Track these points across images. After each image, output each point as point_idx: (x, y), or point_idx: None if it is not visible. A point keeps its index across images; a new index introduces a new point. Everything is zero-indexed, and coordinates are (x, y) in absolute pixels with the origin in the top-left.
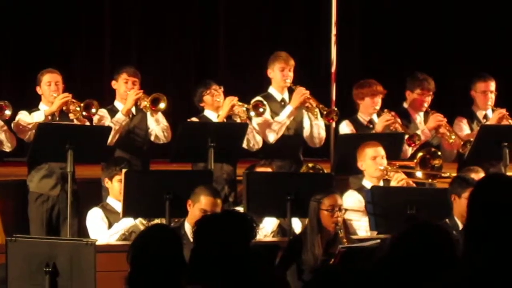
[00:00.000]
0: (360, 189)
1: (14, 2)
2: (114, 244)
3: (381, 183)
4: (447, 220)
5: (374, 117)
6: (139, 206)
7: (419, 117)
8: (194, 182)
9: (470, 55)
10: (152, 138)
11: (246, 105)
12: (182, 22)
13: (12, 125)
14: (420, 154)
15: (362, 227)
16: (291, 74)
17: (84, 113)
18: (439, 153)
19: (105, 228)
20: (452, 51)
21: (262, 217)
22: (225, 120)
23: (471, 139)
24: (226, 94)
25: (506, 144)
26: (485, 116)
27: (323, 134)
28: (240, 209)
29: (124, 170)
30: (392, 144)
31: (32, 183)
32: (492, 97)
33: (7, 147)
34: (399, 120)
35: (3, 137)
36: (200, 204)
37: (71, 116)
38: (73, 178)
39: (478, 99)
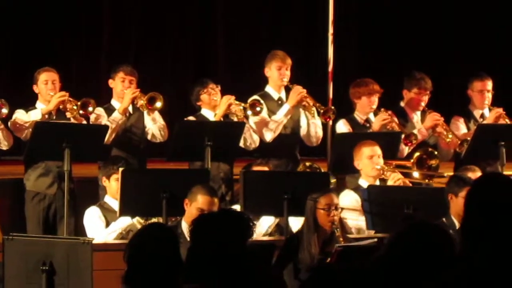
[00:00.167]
0: (357, 189)
1: (11, 1)
2: (111, 242)
3: (378, 183)
4: (444, 219)
5: (371, 116)
6: (135, 205)
7: (416, 116)
8: (191, 181)
9: (467, 54)
10: (149, 137)
11: (243, 104)
12: (181, 21)
13: (9, 123)
14: (417, 154)
15: (359, 226)
16: (288, 73)
17: (81, 111)
18: (436, 153)
19: (103, 227)
20: (449, 50)
21: (259, 216)
22: (222, 119)
23: (468, 138)
24: (224, 93)
25: (503, 143)
26: (482, 115)
27: (320, 133)
28: (237, 206)
29: (121, 169)
30: (389, 143)
31: (29, 182)
32: (489, 96)
33: (4, 146)
34: (395, 119)
35: (0, 135)
36: (197, 203)
37: (68, 114)
38: (70, 176)
39: (475, 98)
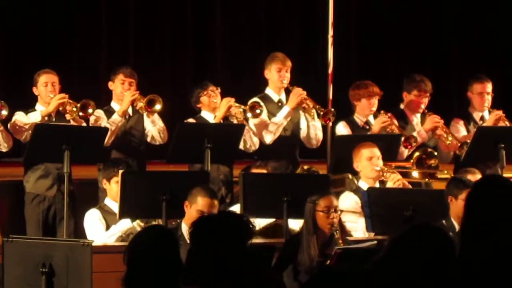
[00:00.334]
0: (357, 190)
1: (10, 2)
2: (111, 245)
3: (377, 184)
4: (443, 221)
5: (371, 118)
6: (135, 207)
7: (416, 119)
8: (190, 183)
9: (467, 57)
10: (149, 139)
11: (243, 106)
12: (180, 23)
13: (9, 125)
14: (416, 154)
15: (359, 228)
16: (288, 75)
17: (80, 113)
18: (435, 153)
19: (103, 229)
20: (449, 53)
21: (258, 218)
22: (221, 121)
23: (468, 141)
24: (223, 95)
25: (502, 145)
26: (482, 118)
27: (320, 135)
28: (237, 207)
29: (120, 171)
30: (388, 145)
31: (29, 184)
32: (488, 98)
33: (4, 148)
34: (395, 121)
35: None
36: (197, 205)
37: (68, 116)
38: (70, 178)
39: (474, 100)
